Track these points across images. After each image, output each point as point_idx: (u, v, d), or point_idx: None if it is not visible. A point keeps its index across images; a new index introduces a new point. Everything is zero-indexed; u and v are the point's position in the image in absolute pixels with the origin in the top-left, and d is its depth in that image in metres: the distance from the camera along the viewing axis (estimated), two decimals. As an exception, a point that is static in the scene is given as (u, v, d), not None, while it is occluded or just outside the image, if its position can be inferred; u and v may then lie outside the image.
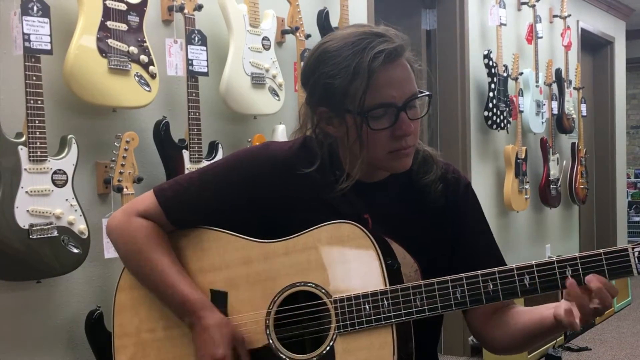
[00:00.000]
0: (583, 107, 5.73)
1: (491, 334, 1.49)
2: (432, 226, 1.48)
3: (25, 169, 2.08)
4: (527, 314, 1.44)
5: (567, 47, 5.48)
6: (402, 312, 1.34)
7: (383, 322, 1.34)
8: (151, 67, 2.41)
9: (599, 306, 1.27)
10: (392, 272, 1.37)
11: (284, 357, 1.39)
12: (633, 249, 1.26)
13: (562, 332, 1.40)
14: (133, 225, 1.46)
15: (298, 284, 1.39)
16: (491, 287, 1.32)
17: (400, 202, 1.49)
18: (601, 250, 1.28)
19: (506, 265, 1.35)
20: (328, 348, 1.36)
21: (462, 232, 1.50)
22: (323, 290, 1.38)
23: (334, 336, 1.36)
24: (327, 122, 1.42)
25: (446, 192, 1.49)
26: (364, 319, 1.35)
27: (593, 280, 1.27)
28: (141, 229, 1.46)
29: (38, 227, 2.10)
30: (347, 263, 1.37)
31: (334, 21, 3.24)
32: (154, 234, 1.46)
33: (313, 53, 1.42)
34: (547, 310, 1.37)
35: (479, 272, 1.33)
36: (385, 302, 1.34)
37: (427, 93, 1.40)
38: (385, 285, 1.35)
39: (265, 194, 1.45)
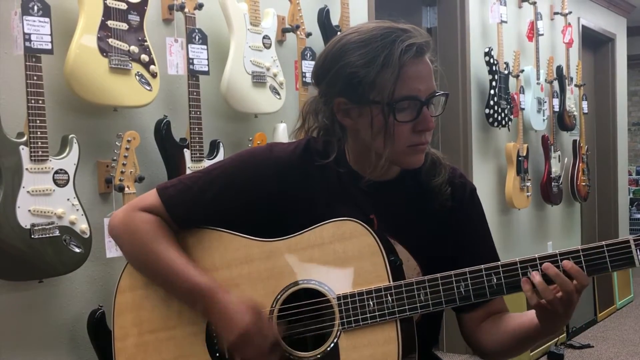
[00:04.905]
0: (584, 104, 5.72)
1: (483, 338, 1.49)
2: (436, 230, 1.48)
3: (26, 169, 2.08)
4: (519, 317, 1.44)
5: (568, 44, 5.47)
6: (407, 307, 1.34)
7: (387, 317, 1.34)
8: (152, 66, 2.41)
9: (560, 293, 1.28)
10: (395, 269, 1.38)
11: (288, 354, 1.38)
12: (634, 240, 1.28)
13: (551, 336, 1.40)
14: (137, 219, 1.45)
15: (301, 281, 1.39)
16: (495, 280, 1.33)
17: (407, 203, 1.48)
18: (603, 243, 1.29)
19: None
20: (332, 345, 1.36)
21: (465, 238, 1.50)
22: (326, 287, 1.38)
23: (338, 333, 1.36)
24: (344, 114, 1.42)
25: (453, 196, 1.49)
26: (368, 315, 1.35)
27: (550, 267, 1.29)
28: (145, 221, 1.44)
29: (40, 227, 2.10)
30: (350, 260, 1.37)
31: (335, 19, 3.24)
32: (158, 226, 1.44)
33: (334, 45, 1.41)
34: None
35: (482, 266, 1.34)
36: (390, 297, 1.34)
37: (446, 92, 1.42)
38: (389, 282, 1.35)
39: (268, 196, 1.44)
